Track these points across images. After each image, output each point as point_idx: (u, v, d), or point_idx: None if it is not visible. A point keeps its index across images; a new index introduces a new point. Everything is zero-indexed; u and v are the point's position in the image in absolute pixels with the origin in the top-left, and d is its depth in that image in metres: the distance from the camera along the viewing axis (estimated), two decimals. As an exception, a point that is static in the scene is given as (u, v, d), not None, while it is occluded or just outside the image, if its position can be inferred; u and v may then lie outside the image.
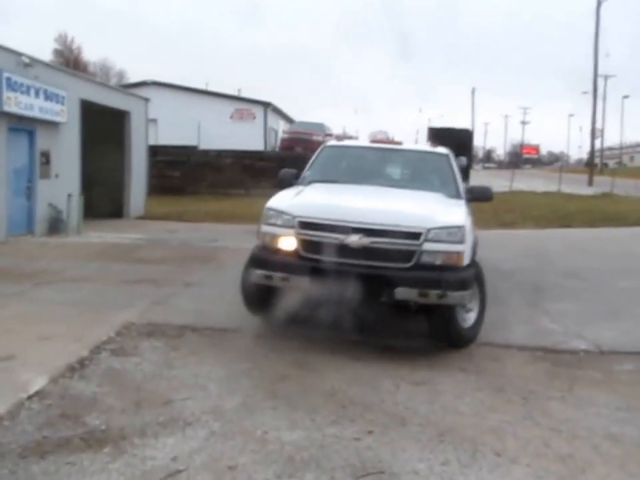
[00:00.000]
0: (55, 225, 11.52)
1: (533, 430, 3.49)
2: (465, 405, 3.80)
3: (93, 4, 79.89)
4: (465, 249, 4.69)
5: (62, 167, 11.78)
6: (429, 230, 4.53)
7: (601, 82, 34.72)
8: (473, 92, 65.98)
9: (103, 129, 14.00)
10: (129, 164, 14.64)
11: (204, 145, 23.05)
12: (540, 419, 3.64)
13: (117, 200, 14.56)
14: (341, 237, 4.50)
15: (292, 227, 4.67)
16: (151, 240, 11.18)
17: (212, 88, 32.67)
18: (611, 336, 5.54)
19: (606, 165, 54.53)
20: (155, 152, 19.05)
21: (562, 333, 5.61)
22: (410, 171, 6.58)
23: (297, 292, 4.75)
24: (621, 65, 70.43)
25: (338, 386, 4.03)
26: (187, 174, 21.11)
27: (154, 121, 22.58)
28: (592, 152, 36.32)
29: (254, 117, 29.84)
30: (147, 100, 15.85)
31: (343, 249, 4.50)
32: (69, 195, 11.61)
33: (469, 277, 4.70)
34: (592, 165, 35.55)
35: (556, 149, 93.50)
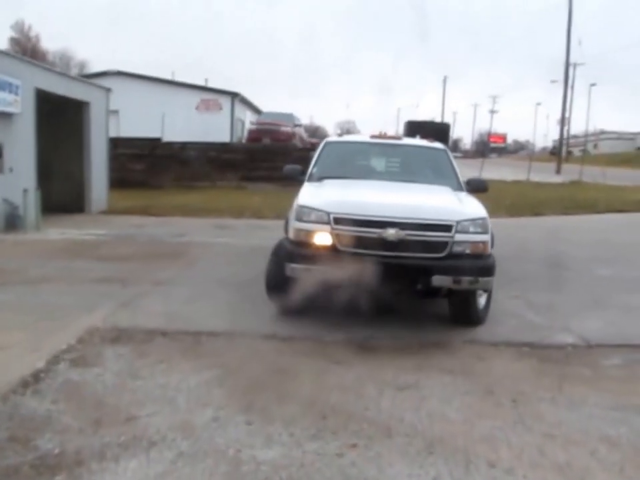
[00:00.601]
0: (12, 222, 10.90)
1: (526, 436, 3.28)
2: (453, 411, 3.56)
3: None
4: (489, 238, 5.11)
5: (17, 161, 11.13)
6: (458, 222, 4.92)
7: (569, 70, 34.81)
8: (444, 81, 66.06)
9: (62, 120, 13.35)
10: (88, 157, 13.99)
11: (168, 137, 22.34)
12: (532, 423, 3.43)
13: (77, 194, 13.91)
14: (378, 231, 4.80)
15: (327, 223, 4.91)
16: (116, 236, 10.68)
17: (178, 78, 31.83)
18: (597, 327, 5.43)
19: (570, 152, 55.41)
20: (116, 144, 18.35)
21: (547, 326, 5.46)
22: (414, 165, 6.80)
23: (332, 284, 4.75)
24: (588, 53, 71.20)
25: (318, 393, 3.75)
26: (150, 167, 20.45)
27: (115, 112, 21.84)
28: (561, 140, 36.71)
29: (220, 108, 29.14)
30: (108, 90, 15.17)
31: (380, 242, 4.79)
32: (25, 190, 11.02)
33: (494, 264, 5.07)
34: (561, 153, 35.98)
35: (521, 138, 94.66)
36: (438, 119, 55.21)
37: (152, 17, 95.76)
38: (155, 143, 21.31)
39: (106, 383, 3.84)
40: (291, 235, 5.16)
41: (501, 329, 5.35)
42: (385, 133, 7.10)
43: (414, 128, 8.55)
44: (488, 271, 4.95)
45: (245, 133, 27.81)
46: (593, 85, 57.14)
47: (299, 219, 5.06)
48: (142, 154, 20.64)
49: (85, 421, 3.28)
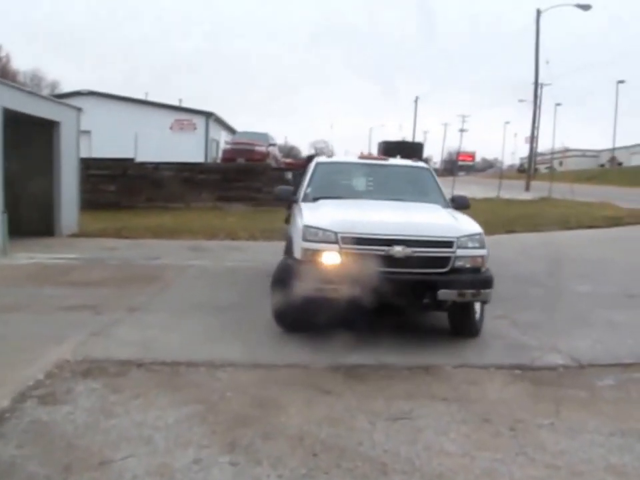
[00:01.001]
0: (-23, 247, 10.46)
1: (529, 469, 3.10)
2: (450, 443, 3.37)
3: (27, 14, 76.39)
4: (486, 252, 5.33)
5: (-18, 183, 10.74)
6: (458, 238, 5.17)
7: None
8: (416, 101, 66.59)
9: (30, 140, 12.96)
10: (58, 178, 13.57)
11: (142, 157, 21.95)
12: (534, 453, 3.26)
13: (47, 217, 13.46)
14: (385, 248, 4.97)
15: (334, 242, 5.06)
16: (88, 259, 10.31)
17: (152, 98, 31.54)
18: (586, 346, 5.35)
19: (536, 169, 56.58)
20: (88, 165, 17.93)
21: (536, 346, 5.35)
22: (403, 184, 7.04)
23: (341, 300, 4.93)
24: (554, 73, 72.97)
25: (306, 427, 3.52)
26: (122, 188, 20.01)
27: (87, 132, 21.44)
28: (531, 158, 37.30)
29: (195, 128, 28.95)
30: (79, 110, 14.82)
31: (387, 259, 4.97)
32: (-9, 213, 10.60)
33: (492, 276, 5.29)
34: (530, 171, 36.54)
35: (489, 156, 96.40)
36: (409, 138, 55.85)
37: (125, 38, 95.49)
38: (127, 163, 20.90)
39: (77, 422, 3.54)
40: (298, 254, 5.25)
41: (490, 351, 5.24)
42: (370, 154, 7.39)
43: (388, 148, 8.56)
44: (488, 283, 5.21)
45: (220, 153, 27.60)
46: (558, 104, 58.35)
47: (306, 239, 5.18)
48: (114, 175, 20.23)
49: (54, 468, 2.99)
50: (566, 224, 16.17)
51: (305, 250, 5.17)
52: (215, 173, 21.27)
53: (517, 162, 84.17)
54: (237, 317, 6.22)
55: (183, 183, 20.32)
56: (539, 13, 32.47)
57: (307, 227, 5.23)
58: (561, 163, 70.18)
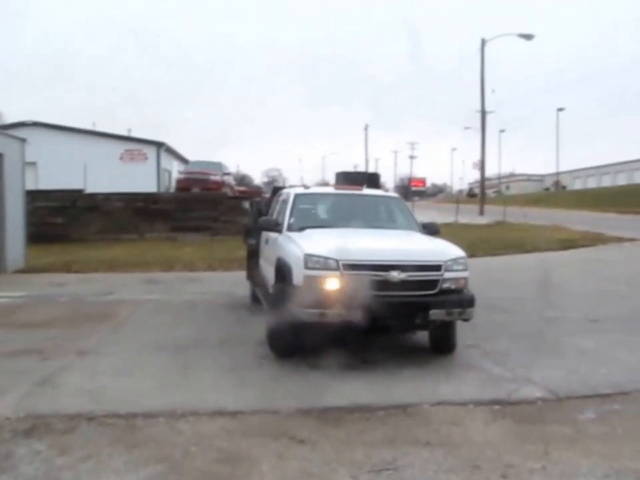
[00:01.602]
0: None
1: (528, 522, 2.87)
2: (441, 496, 3.11)
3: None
4: (468, 274, 5.70)
5: None
6: (445, 262, 5.51)
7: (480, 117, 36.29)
8: (366, 128, 67.75)
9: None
10: (2, 211, 12.85)
11: (92, 189, 21.20)
12: (531, 503, 3.03)
13: (-11, 253, 12.72)
14: (382, 273, 5.26)
15: (335, 269, 5.27)
16: (35, 297, 9.65)
17: (100, 128, 30.76)
18: (560, 377, 5.21)
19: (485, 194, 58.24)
20: (35, 197, 17.20)
21: (510, 378, 5.18)
22: (380, 213, 7.43)
23: (342, 324, 5.19)
24: (499, 101, 75.68)
25: (282, 486, 3.19)
26: (72, 220, 19.30)
27: (33, 164, 20.66)
28: (482, 183, 38.00)
29: (146, 158, 28.38)
30: (23, 140, 14.20)
31: (384, 284, 5.26)
32: None
33: (474, 296, 5.64)
34: (483, 195, 37.31)
35: (439, 181, 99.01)
36: (360, 167, 56.75)
37: (71, 69, 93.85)
38: (76, 194, 20.19)
39: (18, 494, 3.10)
40: (299, 281, 5.40)
41: (465, 386, 5.02)
42: (344, 185, 7.54)
43: (348, 178, 8.50)
44: (471, 302, 5.58)
45: (173, 183, 27.09)
46: (502, 131, 60.32)
47: (308, 267, 5.35)
48: (63, 206, 19.52)
49: None
50: (523, 247, 16.39)
51: (307, 277, 5.32)
52: (170, 202, 20.79)
53: (465, 187, 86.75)
54: (198, 357, 5.84)
55: (136, 214, 19.79)
56: (483, 42, 33.57)
57: (308, 255, 5.40)
58: (507, 187, 72.57)
